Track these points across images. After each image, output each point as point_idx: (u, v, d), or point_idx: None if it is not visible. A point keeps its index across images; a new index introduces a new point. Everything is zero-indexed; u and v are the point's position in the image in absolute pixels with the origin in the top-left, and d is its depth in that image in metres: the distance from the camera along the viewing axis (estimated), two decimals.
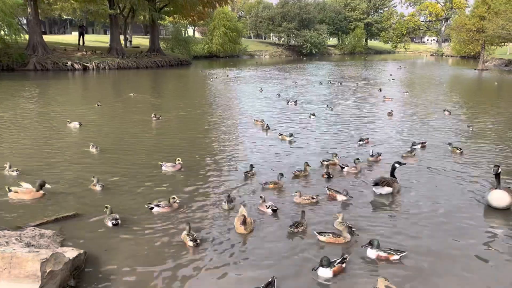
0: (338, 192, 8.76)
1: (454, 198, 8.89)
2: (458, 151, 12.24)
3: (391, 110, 19.34)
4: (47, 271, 4.86)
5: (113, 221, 7.37)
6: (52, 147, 12.91)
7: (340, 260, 6.03)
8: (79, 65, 48.60)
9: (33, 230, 6.61)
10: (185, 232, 6.90)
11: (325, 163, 10.75)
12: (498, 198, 8.13)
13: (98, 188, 9.20)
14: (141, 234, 7.19)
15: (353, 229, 7.17)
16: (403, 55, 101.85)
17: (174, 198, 8.32)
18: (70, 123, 15.94)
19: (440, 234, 7.23)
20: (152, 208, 8.14)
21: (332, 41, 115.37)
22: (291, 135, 14.01)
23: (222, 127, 16.41)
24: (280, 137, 14.11)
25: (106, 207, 7.65)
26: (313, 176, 10.23)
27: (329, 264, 5.87)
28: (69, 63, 48.36)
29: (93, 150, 12.28)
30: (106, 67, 50.66)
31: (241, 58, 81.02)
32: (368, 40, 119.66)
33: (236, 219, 7.32)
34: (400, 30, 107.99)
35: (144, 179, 9.98)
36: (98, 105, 20.90)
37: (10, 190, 8.63)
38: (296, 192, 8.66)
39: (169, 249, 6.70)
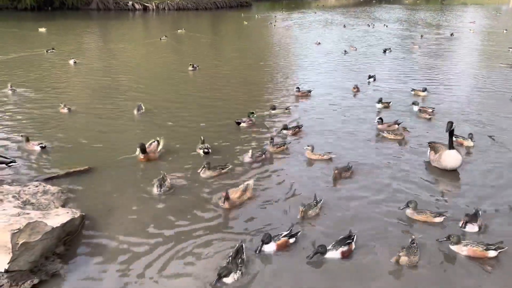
0: None
1: None
2: None
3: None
4: (20, 242, 4.42)
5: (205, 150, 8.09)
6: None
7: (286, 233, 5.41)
8: (140, 5, 48.62)
9: (37, 186, 6.29)
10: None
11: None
12: (456, 159, 7.44)
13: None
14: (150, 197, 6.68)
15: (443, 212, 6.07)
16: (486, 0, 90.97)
17: (253, 112, 10.06)
18: (71, 59, 17.15)
19: None
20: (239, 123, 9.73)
21: None
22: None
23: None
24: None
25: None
26: None
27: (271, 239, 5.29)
28: (130, 3, 48.48)
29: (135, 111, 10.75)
30: (166, 8, 50.22)
31: (305, 0, 76.94)
32: None
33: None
34: None
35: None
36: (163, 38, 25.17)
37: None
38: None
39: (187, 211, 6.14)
